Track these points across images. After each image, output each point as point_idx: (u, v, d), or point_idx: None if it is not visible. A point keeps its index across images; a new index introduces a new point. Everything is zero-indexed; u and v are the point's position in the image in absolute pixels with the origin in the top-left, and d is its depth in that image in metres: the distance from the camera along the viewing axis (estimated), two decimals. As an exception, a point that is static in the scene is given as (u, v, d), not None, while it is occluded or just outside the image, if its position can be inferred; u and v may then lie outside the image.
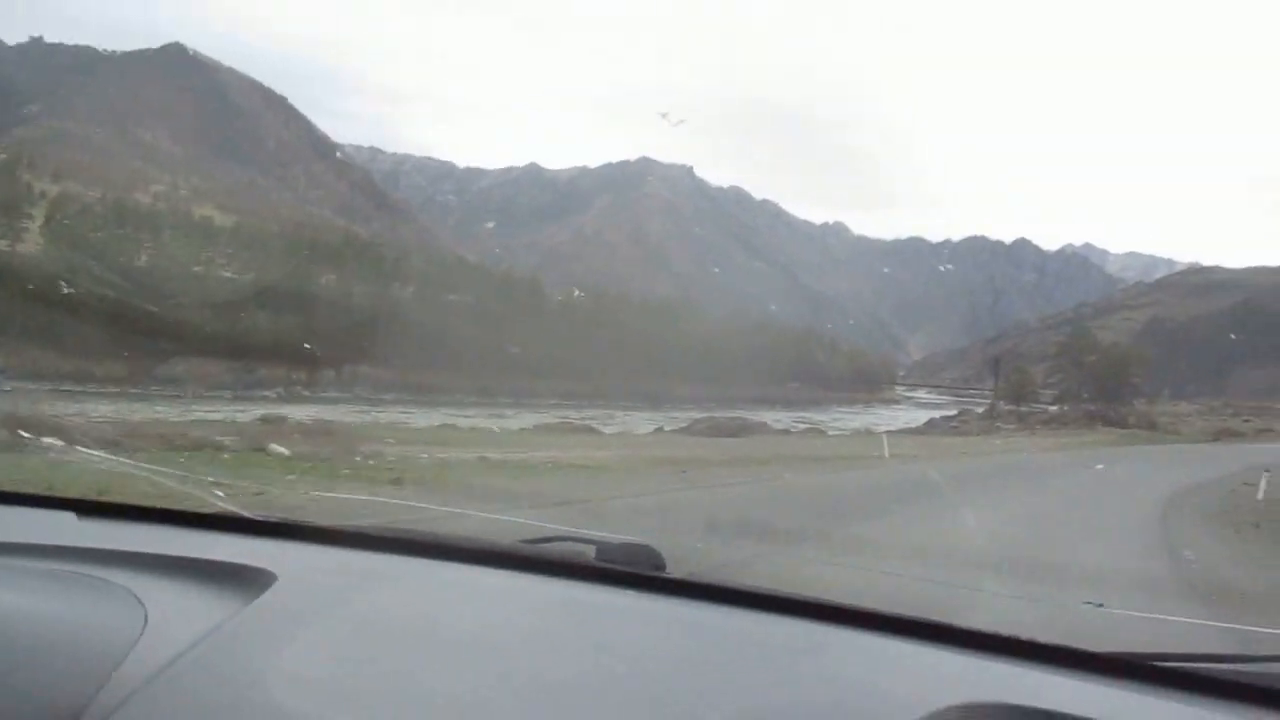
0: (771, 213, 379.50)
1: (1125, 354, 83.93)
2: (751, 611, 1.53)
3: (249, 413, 28.28)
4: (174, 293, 51.83)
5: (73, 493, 2.79)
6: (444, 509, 7.08)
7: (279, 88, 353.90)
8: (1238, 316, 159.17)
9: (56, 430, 12.09)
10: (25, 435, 11.14)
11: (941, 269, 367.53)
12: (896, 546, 8.55)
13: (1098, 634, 1.77)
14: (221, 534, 1.90)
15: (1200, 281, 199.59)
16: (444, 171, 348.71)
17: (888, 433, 41.60)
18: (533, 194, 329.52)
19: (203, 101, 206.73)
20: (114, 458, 9.44)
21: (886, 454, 25.25)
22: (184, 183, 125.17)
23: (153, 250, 63.66)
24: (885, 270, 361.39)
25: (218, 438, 14.35)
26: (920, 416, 73.32)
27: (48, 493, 2.37)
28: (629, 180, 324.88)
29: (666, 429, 41.71)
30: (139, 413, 26.10)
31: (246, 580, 1.48)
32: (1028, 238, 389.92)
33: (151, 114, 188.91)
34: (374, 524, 2.46)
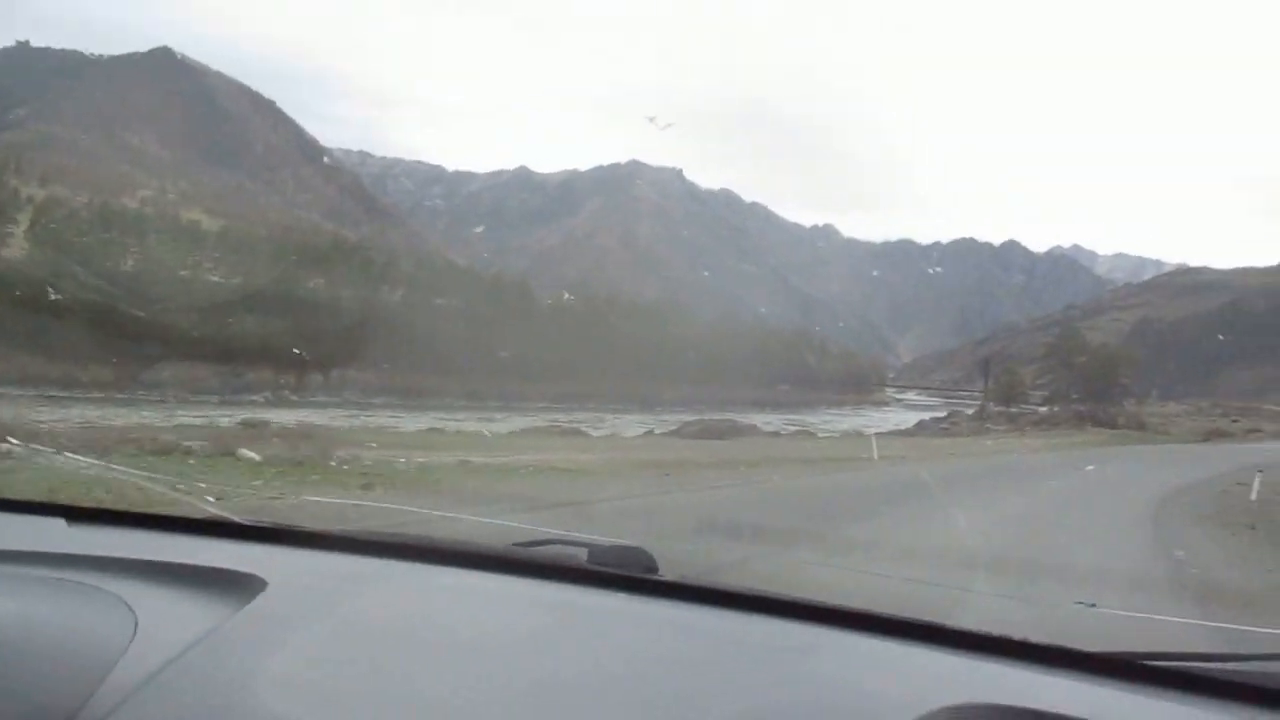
0: (761, 215, 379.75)
1: (1114, 355, 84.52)
2: (743, 613, 1.54)
3: (233, 417, 28.12)
4: (161, 297, 51.58)
5: (15, 495, 2.77)
6: (435, 513, 7.08)
7: (267, 91, 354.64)
8: (1226, 317, 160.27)
9: (24, 434, 11.94)
10: None
11: (931, 271, 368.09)
12: (887, 548, 8.56)
13: (1089, 634, 1.78)
14: (212, 539, 1.90)
15: (1188, 282, 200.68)
16: (433, 175, 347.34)
17: (877, 434, 41.67)
18: (522, 197, 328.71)
19: (190, 105, 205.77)
20: (80, 459, 9.41)
21: (876, 456, 25.27)
22: (172, 187, 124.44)
23: (140, 255, 63.26)
24: (875, 272, 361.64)
25: (187, 442, 14.19)
26: (910, 418, 73.40)
27: (42, 499, 2.36)
28: (619, 183, 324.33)
29: (657, 432, 41.79)
30: (122, 418, 26.00)
31: (237, 586, 1.48)
32: (1016, 239, 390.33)
33: (139, 118, 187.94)
34: (364, 528, 2.46)
